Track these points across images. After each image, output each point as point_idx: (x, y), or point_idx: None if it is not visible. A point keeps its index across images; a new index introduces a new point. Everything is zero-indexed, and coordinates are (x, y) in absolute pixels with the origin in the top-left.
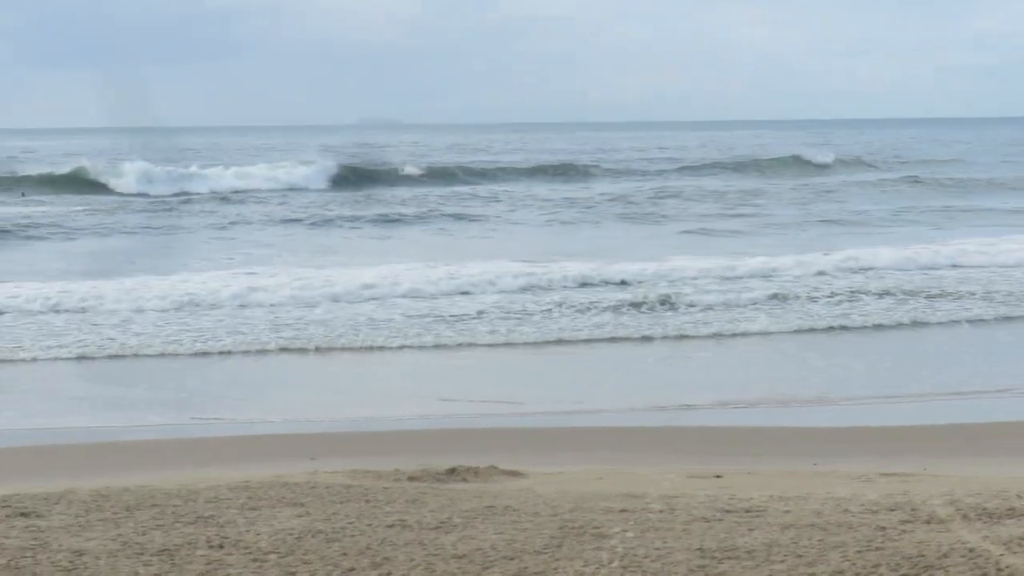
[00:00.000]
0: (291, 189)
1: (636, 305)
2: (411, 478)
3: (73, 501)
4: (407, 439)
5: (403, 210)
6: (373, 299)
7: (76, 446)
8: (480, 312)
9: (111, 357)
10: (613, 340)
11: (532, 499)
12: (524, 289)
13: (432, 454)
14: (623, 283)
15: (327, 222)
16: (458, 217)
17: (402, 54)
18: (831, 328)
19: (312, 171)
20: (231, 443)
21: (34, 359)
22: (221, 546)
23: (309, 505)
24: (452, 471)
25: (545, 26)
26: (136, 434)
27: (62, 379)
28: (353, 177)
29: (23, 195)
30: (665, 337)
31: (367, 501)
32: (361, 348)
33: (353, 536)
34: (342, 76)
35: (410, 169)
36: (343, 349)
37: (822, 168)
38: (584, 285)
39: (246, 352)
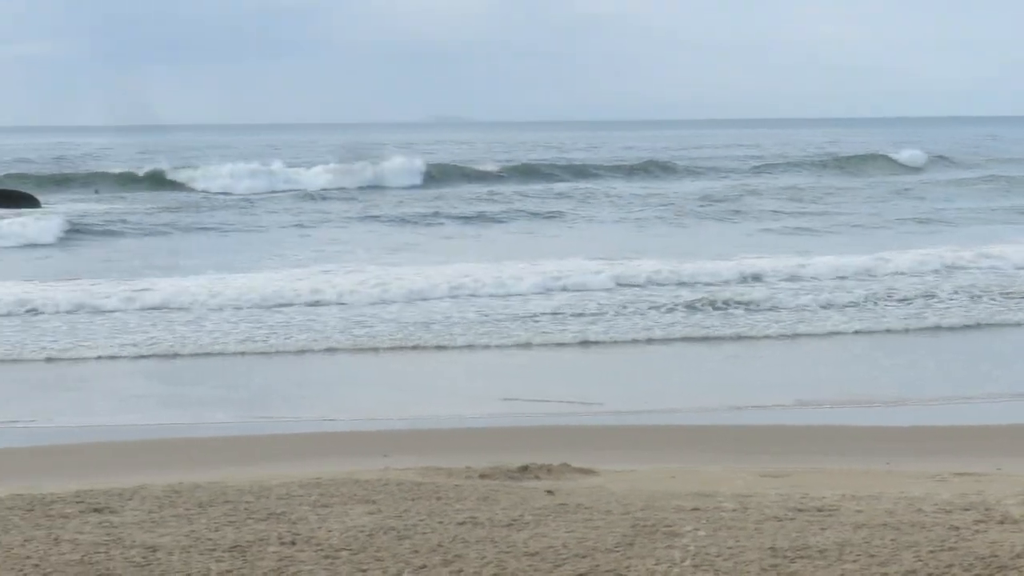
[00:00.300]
0: (372, 187)
1: (710, 303)
2: (483, 476)
3: (146, 497)
4: (479, 437)
5: (483, 208)
6: (447, 297)
7: (148, 442)
8: (554, 311)
9: (184, 355)
10: (686, 340)
11: (605, 497)
12: (598, 288)
13: (504, 452)
14: (697, 282)
15: (404, 219)
16: (536, 215)
17: (470, 51)
18: (907, 330)
19: (391, 168)
20: (303, 440)
21: (110, 356)
22: (293, 543)
23: (381, 502)
24: (524, 469)
25: (615, 23)
26: (208, 431)
27: (134, 376)
28: (436, 175)
29: (96, 192)
30: (738, 337)
31: (438, 498)
32: (433, 347)
33: (424, 533)
34: (410, 73)
35: (489, 166)
36: (415, 348)
37: (906, 166)
38: (658, 283)
39: (319, 350)
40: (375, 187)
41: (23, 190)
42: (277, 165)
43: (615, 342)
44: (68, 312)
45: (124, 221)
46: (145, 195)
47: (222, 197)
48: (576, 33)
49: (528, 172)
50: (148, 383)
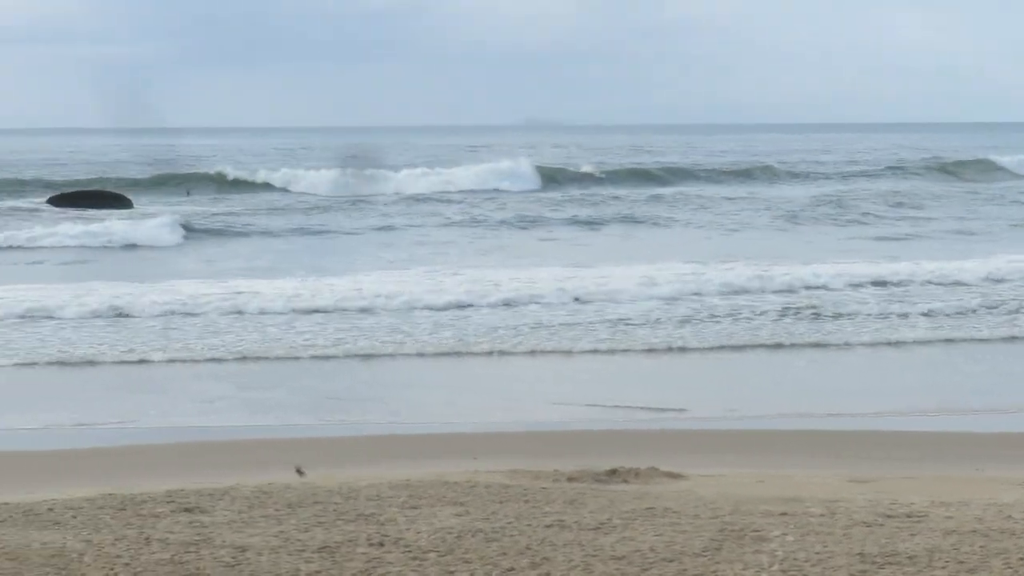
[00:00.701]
0: (479, 190)
1: (799, 310)
2: (570, 479)
3: (236, 497)
4: (566, 440)
5: (584, 210)
6: (534, 302)
7: (238, 443)
8: (642, 316)
9: (273, 358)
10: (777, 347)
11: (692, 501)
12: (688, 294)
13: (592, 455)
14: (789, 289)
15: (506, 222)
16: (635, 218)
17: (561, 54)
18: (1002, 338)
19: (497, 170)
20: (392, 442)
21: (205, 358)
22: (381, 544)
23: (469, 504)
24: (612, 472)
25: (705, 27)
26: (296, 432)
27: (224, 377)
28: (555, 179)
29: (188, 193)
30: (828, 343)
31: (526, 501)
32: (522, 352)
33: (512, 536)
34: (501, 76)
35: (587, 168)
36: (504, 352)
37: (1012, 172)
38: (748, 290)
39: (409, 354)
40: (481, 190)
41: (116, 191)
42: (379, 168)
43: (706, 348)
44: (229, 313)
45: (232, 224)
46: (249, 197)
47: (322, 198)
48: (665, 37)
49: (629, 175)
50: (236, 384)
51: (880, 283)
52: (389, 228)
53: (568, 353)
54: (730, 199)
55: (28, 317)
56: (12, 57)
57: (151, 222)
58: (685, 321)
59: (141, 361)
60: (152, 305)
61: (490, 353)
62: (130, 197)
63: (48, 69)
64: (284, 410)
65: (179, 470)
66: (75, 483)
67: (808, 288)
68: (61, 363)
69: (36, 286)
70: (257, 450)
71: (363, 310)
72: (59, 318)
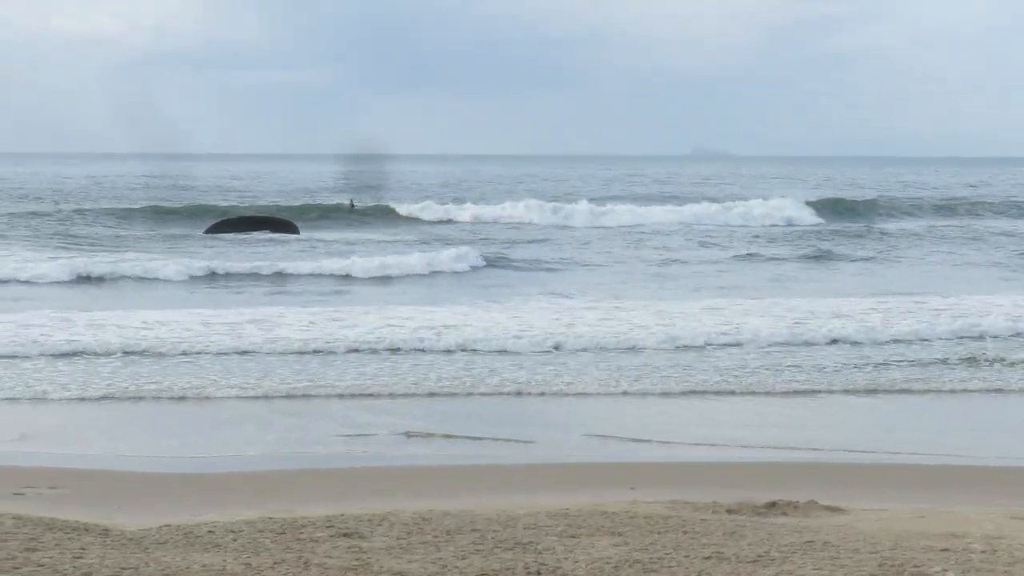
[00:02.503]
0: (767, 225)
1: (972, 360)
2: (729, 511)
3: (395, 523)
4: (725, 472)
5: (809, 243)
6: (711, 344)
7: (397, 469)
8: (819, 363)
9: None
10: (953, 392)
11: (852, 535)
12: (866, 341)
13: (751, 487)
14: (964, 336)
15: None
16: (829, 257)
17: (728, 83)
18: None
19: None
20: (552, 471)
21: (391, 394)
22: (539, 573)
23: (627, 534)
24: (771, 505)
25: (875, 57)
26: (456, 460)
27: (399, 407)
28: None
29: (352, 206)
30: (989, 390)
31: (685, 532)
32: (699, 392)
33: (670, 567)
34: (668, 106)
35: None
36: (684, 393)
37: None
38: (935, 336)
39: (597, 393)
40: (769, 225)
41: (283, 217)
42: (583, 202)
43: (873, 390)
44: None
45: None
46: (404, 227)
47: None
48: (834, 67)
49: (838, 208)
50: (409, 413)
51: None
52: (748, 257)
53: (750, 395)
54: (950, 235)
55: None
56: (184, 81)
57: (449, 252)
58: (860, 361)
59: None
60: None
61: (686, 394)
62: (296, 223)
63: (220, 94)
64: (436, 440)
65: (339, 496)
66: (235, 506)
67: (991, 334)
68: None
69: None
70: (415, 477)
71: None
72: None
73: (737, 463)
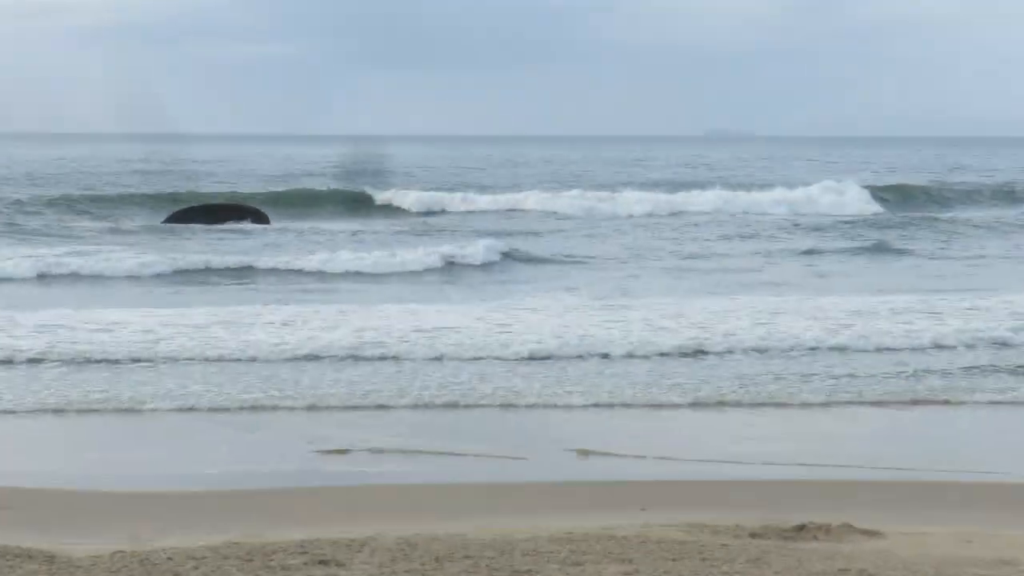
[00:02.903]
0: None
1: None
2: (753, 534)
3: (377, 549)
4: (748, 490)
5: (866, 234)
6: (733, 350)
7: (378, 488)
8: (853, 371)
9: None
10: (1001, 403)
11: (891, 563)
12: (927, 344)
13: (777, 508)
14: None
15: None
16: (887, 249)
17: (748, 58)
18: None
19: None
20: (552, 491)
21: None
22: None
23: (638, 561)
24: (800, 528)
25: (914, 29)
26: (444, 478)
27: (379, 420)
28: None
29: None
30: None
31: (703, 559)
32: (716, 403)
33: None
34: (681, 83)
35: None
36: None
37: None
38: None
39: (603, 404)
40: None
41: (253, 205)
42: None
43: (909, 402)
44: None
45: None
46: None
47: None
48: (867, 41)
49: (900, 194)
50: (391, 429)
51: None
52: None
53: (776, 407)
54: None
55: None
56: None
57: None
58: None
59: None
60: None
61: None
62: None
63: (188, 69)
64: (437, 454)
65: (315, 519)
66: (197, 530)
67: None
68: None
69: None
70: (397, 499)
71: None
72: None
73: (761, 481)
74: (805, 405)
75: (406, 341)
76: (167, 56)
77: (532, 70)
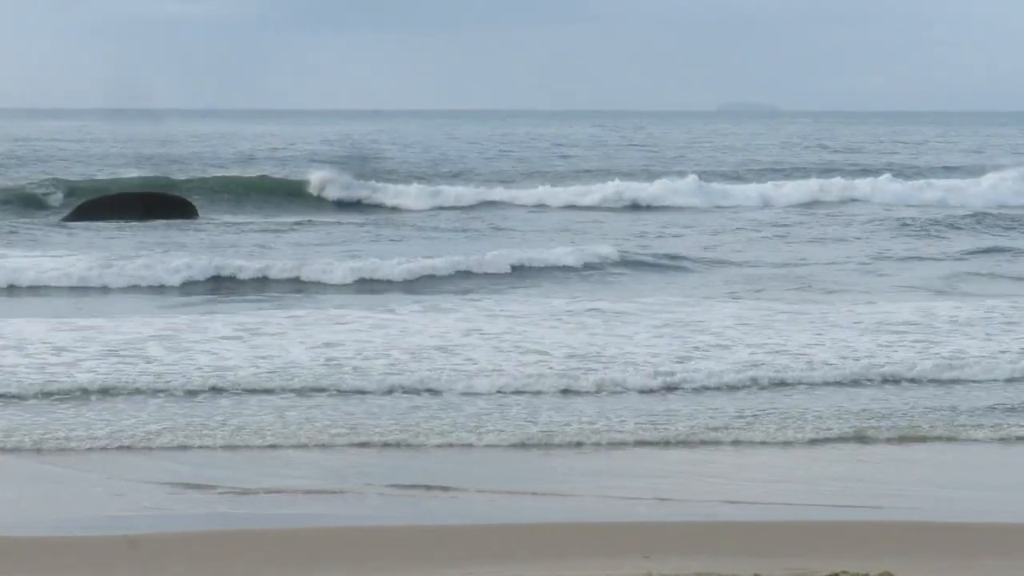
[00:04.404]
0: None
1: None
2: None
3: None
4: (769, 534)
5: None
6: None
7: (352, 529)
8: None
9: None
10: None
11: None
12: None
13: (803, 554)
14: None
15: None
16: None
17: (768, 24)
18: None
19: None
20: (544, 533)
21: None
22: None
23: None
24: None
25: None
26: (416, 519)
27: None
28: None
29: None
30: None
31: None
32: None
33: None
34: (695, 53)
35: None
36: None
37: None
38: None
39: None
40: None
41: (181, 196)
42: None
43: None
44: None
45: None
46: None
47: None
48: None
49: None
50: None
51: None
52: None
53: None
54: None
55: None
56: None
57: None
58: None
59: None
60: None
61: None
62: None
63: (100, 31)
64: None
65: (261, 565)
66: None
67: None
68: None
69: None
70: (374, 541)
71: None
72: None
73: (784, 524)
74: (842, 439)
75: None
76: (74, 13)
77: (515, 34)
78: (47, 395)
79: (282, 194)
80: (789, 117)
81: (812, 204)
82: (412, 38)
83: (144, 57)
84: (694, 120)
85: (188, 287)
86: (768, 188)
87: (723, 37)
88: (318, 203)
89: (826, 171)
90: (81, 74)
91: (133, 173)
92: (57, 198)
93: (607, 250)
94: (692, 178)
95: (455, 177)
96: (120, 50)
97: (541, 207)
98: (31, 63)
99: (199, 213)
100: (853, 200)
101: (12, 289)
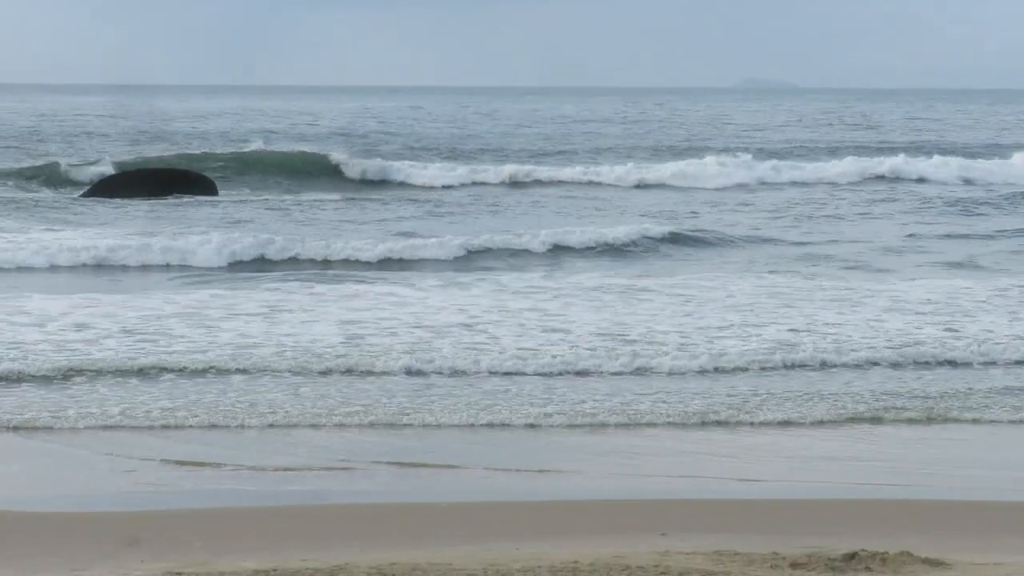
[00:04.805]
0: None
1: None
2: (795, 564)
3: None
4: (787, 511)
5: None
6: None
7: (346, 509)
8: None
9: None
10: None
11: None
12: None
13: (821, 533)
14: None
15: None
16: None
17: (778, 4)
18: None
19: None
20: (556, 511)
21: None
22: None
23: None
24: (851, 557)
25: None
26: (427, 496)
27: (347, 435)
28: None
29: None
30: None
31: None
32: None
33: None
34: (711, 27)
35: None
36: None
37: None
38: None
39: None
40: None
41: (201, 172)
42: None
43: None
44: None
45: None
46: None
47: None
48: None
49: None
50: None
51: None
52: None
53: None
54: None
55: None
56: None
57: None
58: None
59: None
60: None
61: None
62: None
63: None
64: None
65: (274, 542)
66: (130, 558)
67: None
68: None
69: None
70: (370, 521)
71: None
72: None
73: (801, 502)
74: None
75: None
76: None
77: (533, 9)
78: (64, 373)
79: (304, 171)
80: (814, 94)
81: (862, 182)
82: (426, 14)
83: (156, 33)
84: (714, 96)
85: (234, 266)
86: (822, 166)
87: (740, 13)
88: (339, 179)
89: (878, 151)
90: (93, 49)
91: (152, 152)
92: (82, 172)
93: (660, 229)
94: (746, 157)
95: (498, 152)
96: (132, 26)
97: (594, 185)
98: (44, 38)
99: (217, 189)
100: (909, 179)
101: (25, 269)
